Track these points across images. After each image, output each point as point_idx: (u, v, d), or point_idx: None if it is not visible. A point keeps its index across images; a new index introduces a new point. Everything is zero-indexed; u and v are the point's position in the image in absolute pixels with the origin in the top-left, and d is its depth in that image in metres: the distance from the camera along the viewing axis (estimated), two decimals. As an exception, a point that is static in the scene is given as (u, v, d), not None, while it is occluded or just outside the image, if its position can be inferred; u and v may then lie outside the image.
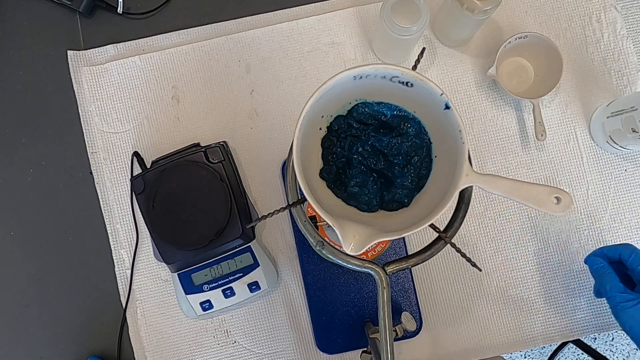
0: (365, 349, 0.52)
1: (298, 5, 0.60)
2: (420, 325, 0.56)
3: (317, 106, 0.33)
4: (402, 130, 0.37)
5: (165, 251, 0.53)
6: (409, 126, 0.36)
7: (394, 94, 0.35)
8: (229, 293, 0.55)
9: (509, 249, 0.58)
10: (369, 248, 0.37)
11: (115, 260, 0.58)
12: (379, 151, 0.37)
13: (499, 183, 0.30)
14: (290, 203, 0.37)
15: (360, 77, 0.32)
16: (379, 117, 0.37)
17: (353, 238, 0.31)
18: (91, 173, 0.59)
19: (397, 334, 0.49)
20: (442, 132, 0.34)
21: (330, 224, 0.31)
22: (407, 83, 0.32)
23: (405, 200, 0.37)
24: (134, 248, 0.57)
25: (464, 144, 0.31)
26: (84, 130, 0.59)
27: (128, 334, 0.58)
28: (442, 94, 0.31)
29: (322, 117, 0.36)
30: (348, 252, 0.31)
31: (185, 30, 0.60)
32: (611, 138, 0.55)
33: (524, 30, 0.58)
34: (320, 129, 0.37)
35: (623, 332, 0.48)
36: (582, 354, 1.23)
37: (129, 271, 0.57)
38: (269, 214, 0.35)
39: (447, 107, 0.32)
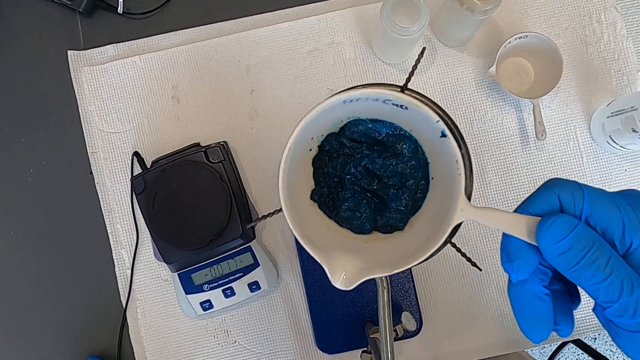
0: (365, 349, 0.52)
1: (298, 5, 0.60)
2: (420, 325, 0.56)
3: (305, 132, 0.31)
4: (397, 150, 0.35)
5: (165, 251, 0.53)
6: (405, 146, 0.34)
7: (388, 113, 0.33)
8: (229, 293, 0.55)
9: (509, 249, 0.58)
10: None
11: (115, 260, 0.58)
12: (373, 173, 0.36)
13: (497, 217, 0.28)
14: (290, 203, 0.36)
15: (351, 101, 0.31)
16: (373, 135, 0.35)
17: (343, 272, 0.29)
18: (91, 173, 0.59)
19: (397, 334, 0.49)
20: (438, 155, 0.33)
21: (316, 259, 0.30)
22: (401, 106, 0.31)
23: (400, 225, 0.35)
24: (134, 248, 0.57)
25: (461, 175, 0.29)
26: (84, 130, 0.59)
27: (128, 334, 0.58)
28: (438, 121, 0.29)
29: (312, 139, 0.35)
30: (337, 286, 0.29)
31: (185, 30, 0.60)
32: (611, 138, 0.55)
33: (524, 30, 0.59)
34: (311, 149, 0.36)
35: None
36: (582, 354, 1.24)
37: (129, 271, 0.57)
38: (269, 214, 0.35)
39: (444, 135, 0.29)
